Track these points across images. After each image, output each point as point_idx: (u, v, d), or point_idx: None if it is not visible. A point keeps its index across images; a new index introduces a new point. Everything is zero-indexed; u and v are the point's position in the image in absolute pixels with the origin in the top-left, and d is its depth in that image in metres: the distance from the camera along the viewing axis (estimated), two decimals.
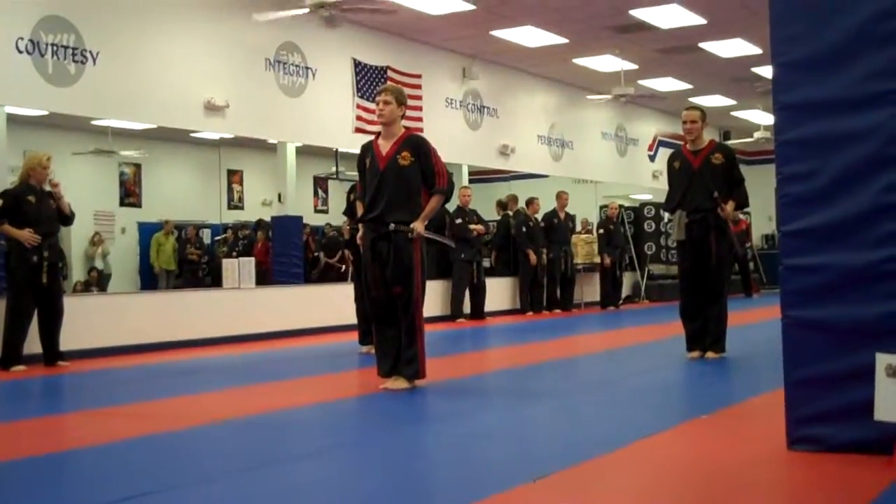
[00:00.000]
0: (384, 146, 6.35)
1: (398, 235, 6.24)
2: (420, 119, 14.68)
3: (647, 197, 21.30)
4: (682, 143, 7.80)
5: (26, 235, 8.34)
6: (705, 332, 7.64)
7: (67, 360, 8.67)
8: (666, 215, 19.58)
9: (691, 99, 20.61)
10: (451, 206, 14.40)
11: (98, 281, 16.38)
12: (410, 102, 14.38)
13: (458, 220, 14.11)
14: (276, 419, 5.54)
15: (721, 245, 7.56)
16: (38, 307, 8.56)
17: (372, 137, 6.54)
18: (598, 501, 3.41)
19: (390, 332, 6.37)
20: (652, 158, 21.77)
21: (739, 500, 3.34)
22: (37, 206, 8.50)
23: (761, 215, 22.10)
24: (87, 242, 16.94)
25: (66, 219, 8.88)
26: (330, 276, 15.90)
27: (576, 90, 18.74)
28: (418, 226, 6.25)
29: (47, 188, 8.69)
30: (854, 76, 3.84)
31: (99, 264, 16.95)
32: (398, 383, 6.27)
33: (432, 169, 6.30)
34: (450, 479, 3.90)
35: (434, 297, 14.08)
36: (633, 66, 16.96)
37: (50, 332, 8.59)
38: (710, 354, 7.60)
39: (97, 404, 6.36)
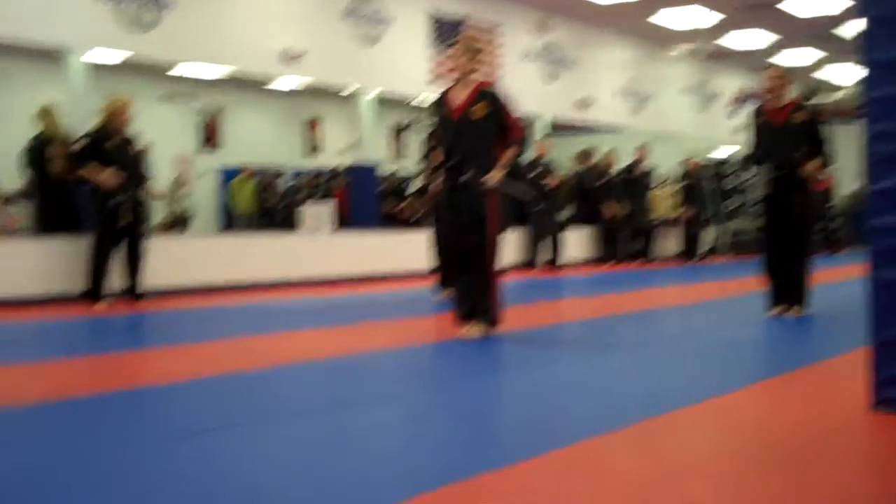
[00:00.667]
0: (459, 97, 6.32)
1: (475, 184, 6.24)
2: (498, 67, 14.60)
3: (727, 152, 20.94)
4: (764, 99, 7.65)
5: (106, 176, 8.50)
6: (788, 289, 7.54)
7: (148, 299, 8.86)
8: (752, 169, 19.27)
9: (776, 55, 20.21)
10: (528, 158, 14.32)
11: (178, 223, 16.64)
12: (489, 52, 14.42)
13: (534, 172, 14.03)
14: (352, 362, 5.60)
15: (805, 202, 7.45)
16: (121, 247, 8.74)
17: (447, 87, 6.50)
18: (670, 458, 3.39)
19: (468, 279, 6.39)
20: (732, 115, 21.38)
21: (818, 462, 3.29)
22: (117, 149, 8.64)
23: (846, 174, 21.59)
24: (168, 186, 17.17)
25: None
26: (394, 223, 15.85)
27: (656, 44, 18.43)
28: (494, 176, 6.23)
29: (127, 134, 8.85)
30: None
31: (179, 207, 17.20)
32: (474, 330, 6.31)
33: (507, 120, 6.27)
34: (521, 429, 3.90)
35: (513, 244, 14.07)
36: (718, 18, 16.59)
37: (133, 271, 8.83)
38: (792, 312, 7.51)
39: (179, 341, 6.50)
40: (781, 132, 7.39)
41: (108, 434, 3.69)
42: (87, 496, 2.90)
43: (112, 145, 8.62)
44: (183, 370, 5.26)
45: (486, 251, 6.31)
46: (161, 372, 5.35)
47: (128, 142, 8.79)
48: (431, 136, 6.85)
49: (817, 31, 17.89)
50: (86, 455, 3.36)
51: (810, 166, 7.31)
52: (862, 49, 3.97)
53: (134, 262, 8.85)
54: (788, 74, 7.58)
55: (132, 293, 8.84)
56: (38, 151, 9.17)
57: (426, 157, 9.03)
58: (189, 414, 4.09)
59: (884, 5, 3.89)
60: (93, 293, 8.61)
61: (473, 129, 6.24)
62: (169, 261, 9.84)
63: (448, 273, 8.59)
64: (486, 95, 6.28)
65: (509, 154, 6.31)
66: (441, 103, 6.42)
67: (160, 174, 16.39)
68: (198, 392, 4.60)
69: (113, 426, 3.84)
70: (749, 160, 7.84)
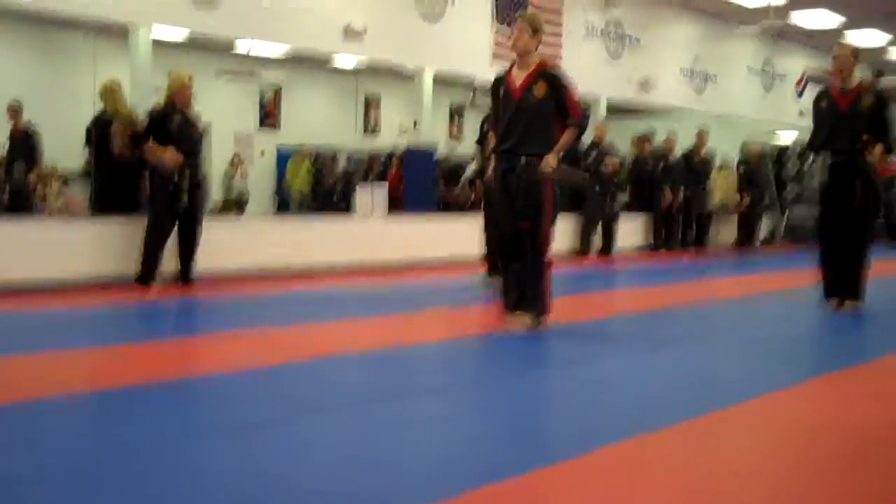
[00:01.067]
0: (518, 77, 6.20)
1: (530, 168, 6.12)
2: (560, 46, 14.43)
3: (792, 135, 20.55)
4: (831, 80, 7.42)
5: (169, 156, 8.48)
6: (845, 281, 7.34)
7: (199, 283, 8.86)
8: (811, 156, 18.90)
9: (844, 33, 19.76)
10: (587, 141, 14.16)
11: (236, 203, 16.75)
12: (550, 29, 14.23)
13: (591, 157, 13.86)
14: (399, 353, 5.56)
15: (867, 190, 7.21)
16: (177, 228, 8.74)
17: (506, 67, 6.40)
18: (719, 456, 3.31)
19: (517, 267, 6.28)
20: (799, 95, 20.93)
21: (869, 464, 3.19)
22: (179, 127, 8.60)
23: None
24: (227, 164, 17.29)
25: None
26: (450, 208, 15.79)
27: (722, 22, 18.13)
28: (551, 159, 6.08)
29: (192, 110, 8.82)
30: None
31: (238, 186, 17.31)
32: (522, 320, 6.20)
33: (567, 102, 6.13)
34: (564, 426, 3.85)
35: (565, 230, 13.93)
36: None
37: (187, 255, 8.77)
38: (848, 304, 7.31)
39: (229, 326, 6.51)
40: (846, 117, 7.17)
41: (152, 426, 3.69)
42: (136, 486, 2.89)
43: (175, 125, 8.58)
44: (232, 359, 5.27)
45: (539, 239, 6.18)
46: (211, 361, 5.36)
47: (189, 121, 8.72)
48: (487, 117, 6.68)
49: (887, 11, 17.46)
50: (132, 445, 3.35)
51: (878, 150, 7.08)
52: None
53: (189, 246, 8.78)
54: (857, 53, 7.34)
55: (185, 277, 8.80)
56: (101, 130, 9.13)
57: (482, 140, 8.89)
58: (236, 406, 4.08)
59: None
60: (145, 277, 8.55)
61: (533, 110, 6.11)
62: (222, 244, 9.85)
63: (497, 260, 8.52)
64: (547, 75, 6.16)
65: (568, 137, 6.16)
66: (501, 82, 6.30)
67: (219, 152, 16.65)
68: (245, 382, 4.59)
69: (155, 418, 3.83)
70: (809, 147, 7.61)
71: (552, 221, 6.28)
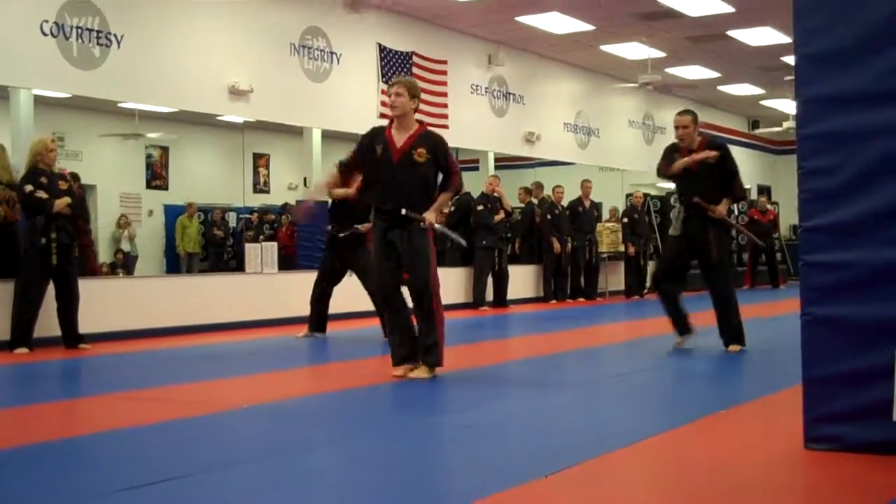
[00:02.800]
0: (398, 138, 6.30)
1: (412, 227, 6.23)
2: (445, 105, 14.65)
3: (673, 186, 21.11)
4: (681, 144, 7.80)
5: (58, 200, 8.39)
6: (723, 327, 7.67)
7: (88, 343, 8.70)
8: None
9: (720, 87, 20.50)
10: (476, 192, 14.36)
11: (124, 263, 16.46)
12: (436, 88, 14.49)
13: (481, 207, 14.06)
14: (292, 407, 5.54)
15: (720, 240, 7.71)
16: (55, 290, 8.58)
17: (385, 123, 6.49)
18: (607, 500, 3.37)
19: (402, 321, 6.36)
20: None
21: (752, 500, 3.29)
22: (48, 187, 8.46)
23: (790, 206, 21.90)
24: (114, 224, 17.00)
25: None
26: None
27: (603, 77, 18.63)
28: (430, 216, 6.23)
29: (56, 170, 8.71)
30: (878, 70, 3.76)
31: (125, 246, 17.01)
32: (419, 372, 6.24)
33: (449, 168, 6.31)
34: (461, 473, 3.88)
35: (456, 284, 14.06)
36: (661, 54, 16.85)
37: (67, 315, 8.62)
38: (732, 348, 7.57)
39: (115, 388, 6.37)
40: (696, 174, 7.63)
41: (37, 488, 3.60)
42: None
43: (44, 182, 8.44)
44: (118, 418, 5.18)
45: (427, 289, 6.27)
46: (94, 421, 5.25)
47: (56, 182, 8.60)
48: (345, 162, 6.57)
49: (758, 66, 18.20)
50: None
51: (722, 206, 7.62)
52: (794, 85, 4.02)
53: (67, 307, 8.62)
54: (696, 118, 7.83)
55: (69, 339, 8.62)
56: None
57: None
58: (123, 467, 3.99)
59: (814, 42, 3.94)
60: (18, 340, 8.37)
61: (414, 173, 6.23)
62: (112, 303, 9.70)
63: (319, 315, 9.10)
64: (427, 140, 6.30)
65: (444, 198, 6.39)
66: (379, 138, 6.36)
67: (106, 213, 16.36)
68: (132, 442, 4.51)
69: (37, 482, 3.73)
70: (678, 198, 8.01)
71: (435, 273, 6.36)
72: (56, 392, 6.79)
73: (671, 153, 7.82)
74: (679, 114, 7.82)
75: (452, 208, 14.63)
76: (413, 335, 6.32)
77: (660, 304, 7.97)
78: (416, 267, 6.26)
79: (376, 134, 6.42)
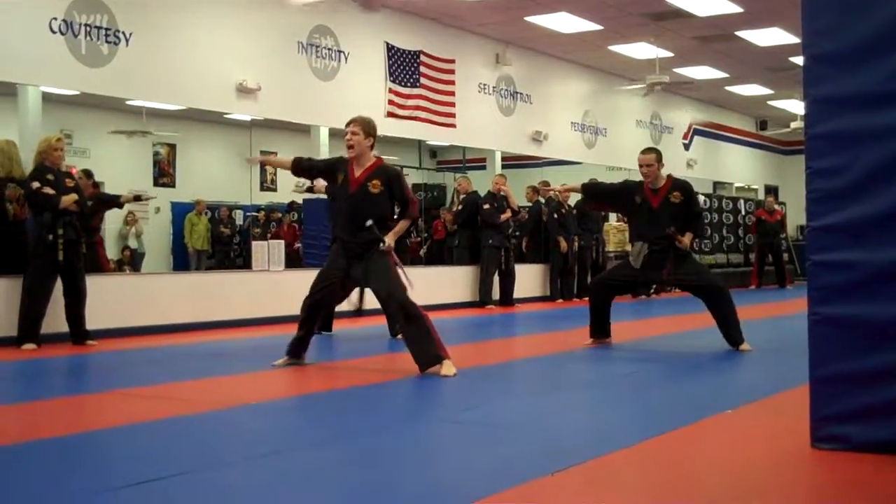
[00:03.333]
0: (356, 170, 6.69)
1: (371, 250, 6.55)
2: (452, 105, 14.66)
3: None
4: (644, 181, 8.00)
5: (66, 197, 8.44)
6: (728, 329, 7.71)
7: (95, 339, 8.72)
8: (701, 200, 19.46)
9: (728, 88, 20.47)
10: (483, 191, 14.36)
11: (131, 260, 16.50)
12: (443, 88, 14.51)
13: (487, 206, 14.06)
14: (297, 404, 5.56)
15: (682, 266, 7.85)
16: (62, 286, 8.62)
17: (348, 155, 6.76)
18: (613, 499, 3.37)
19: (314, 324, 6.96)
20: (687, 147, 21.62)
21: (759, 499, 3.30)
22: (55, 184, 8.50)
23: (797, 206, 21.89)
24: (122, 222, 17.05)
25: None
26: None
27: (610, 77, 18.63)
28: (389, 239, 6.56)
29: (63, 168, 8.75)
30: (887, 71, 3.76)
31: (133, 244, 17.07)
32: (446, 369, 6.27)
33: (406, 197, 6.72)
34: (467, 470, 3.87)
35: (463, 283, 14.08)
36: (669, 54, 16.83)
37: (75, 312, 8.66)
38: (745, 347, 7.60)
39: (122, 385, 6.37)
40: (659, 212, 7.82)
41: (47, 483, 3.61)
42: None
43: (51, 179, 8.48)
44: (123, 415, 5.20)
45: (406, 302, 6.43)
46: (99, 417, 5.27)
47: (63, 179, 8.64)
48: (307, 159, 7.12)
49: (766, 66, 18.17)
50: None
51: (686, 239, 7.77)
52: (803, 86, 4.01)
53: (75, 304, 8.66)
54: (660, 156, 8.03)
55: (77, 336, 8.67)
56: None
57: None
58: (126, 463, 4.01)
59: (823, 43, 3.94)
60: (26, 336, 8.39)
61: (368, 203, 6.59)
62: (120, 300, 9.72)
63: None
64: (382, 172, 6.68)
65: (402, 225, 6.77)
66: (343, 168, 6.74)
67: (114, 211, 16.36)
68: (136, 438, 4.53)
69: (42, 477, 3.75)
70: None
71: (402, 286, 6.54)
72: (63, 388, 6.81)
73: (633, 195, 8.01)
74: (643, 152, 8.05)
75: (460, 207, 14.65)
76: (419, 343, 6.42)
77: (587, 309, 8.34)
78: (386, 285, 6.50)
79: (341, 163, 6.80)
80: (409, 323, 6.41)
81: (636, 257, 7.87)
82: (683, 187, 8.02)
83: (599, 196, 8.65)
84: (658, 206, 7.82)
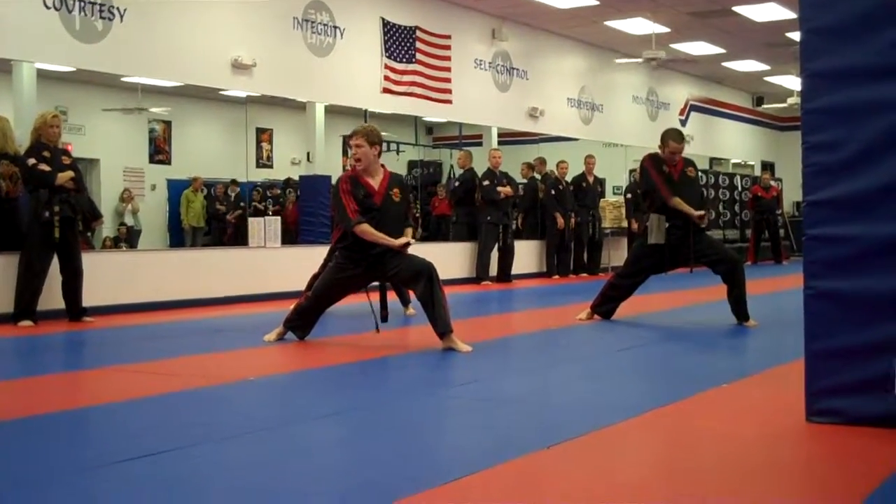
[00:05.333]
0: (374, 182, 6.69)
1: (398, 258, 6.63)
2: (448, 80, 14.61)
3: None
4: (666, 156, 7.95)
5: (62, 174, 8.40)
6: (735, 308, 7.74)
7: (92, 316, 8.73)
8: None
9: (725, 63, 20.42)
10: (481, 169, 14.35)
11: (128, 237, 16.50)
12: (439, 63, 14.46)
13: (486, 182, 14.05)
14: (297, 379, 5.58)
15: (701, 240, 7.88)
16: (59, 263, 8.61)
17: (355, 173, 6.75)
18: (608, 472, 3.39)
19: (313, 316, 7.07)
20: (683, 123, 21.58)
21: (754, 472, 3.31)
22: (50, 161, 8.45)
23: (793, 182, 21.88)
24: (117, 198, 17.03)
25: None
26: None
27: (607, 53, 18.57)
28: (406, 240, 6.64)
29: (60, 146, 8.72)
30: (884, 44, 3.76)
31: (129, 220, 17.06)
32: (461, 345, 6.34)
33: (410, 204, 7.01)
34: (464, 444, 3.90)
35: (461, 259, 14.08)
36: (665, 30, 16.78)
37: (71, 289, 8.64)
38: (751, 323, 7.70)
39: (118, 361, 6.39)
40: (680, 184, 7.85)
41: (43, 457, 3.62)
42: None
43: (48, 158, 8.45)
44: (122, 390, 5.21)
45: (434, 273, 6.50)
46: (97, 393, 5.28)
47: (58, 156, 8.59)
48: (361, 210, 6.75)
49: (763, 42, 18.13)
50: (23, 477, 3.29)
51: (698, 216, 7.76)
52: (799, 60, 4.01)
53: (71, 281, 8.64)
54: (684, 141, 8.04)
55: (73, 312, 8.66)
56: None
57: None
58: (125, 438, 4.04)
59: (819, 17, 3.93)
60: (22, 313, 8.39)
61: (393, 210, 6.68)
62: (116, 276, 9.72)
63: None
64: (398, 182, 6.84)
65: (412, 232, 6.86)
66: (359, 184, 6.68)
67: (110, 187, 16.37)
68: (135, 413, 4.55)
69: (42, 452, 3.76)
70: (650, 206, 8.04)
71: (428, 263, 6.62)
72: (60, 364, 6.82)
73: (660, 165, 7.93)
74: (679, 140, 7.92)
75: (457, 183, 14.63)
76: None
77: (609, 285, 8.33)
78: (410, 265, 6.57)
79: (356, 180, 6.71)
80: (436, 299, 6.43)
81: (657, 230, 7.84)
82: (693, 164, 8.25)
83: (657, 202, 8.03)
84: (678, 179, 7.88)
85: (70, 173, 8.50)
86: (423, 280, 6.45)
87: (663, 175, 7.87)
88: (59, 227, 8.43)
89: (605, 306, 8.27)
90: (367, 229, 6.55)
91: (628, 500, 3.01)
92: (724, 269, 7.79)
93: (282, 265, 11.48)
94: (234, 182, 17.65)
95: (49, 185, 8.38)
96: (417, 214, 18.01)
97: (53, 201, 8.41)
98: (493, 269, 14.29)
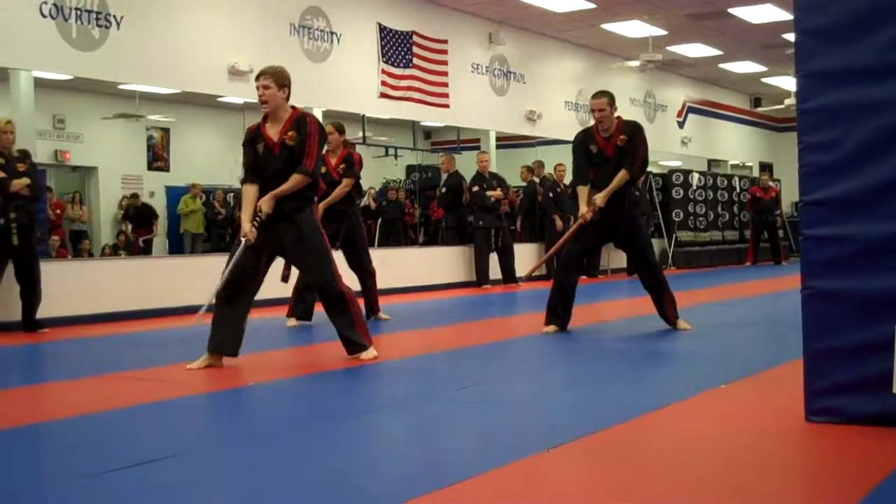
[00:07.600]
0: (272, 132, 6.03)
1: (297, 221, 6.04)
2: (446, 85, 14.62)
3: (675, 163, 21.16)
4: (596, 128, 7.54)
5: (17, 180, 8.31)
6: (570, 309, 7.62)
7: (47, 328, 8.62)
8: (694, 180, 19.48)
9: (722, 65, 20.43)
10: (468, 174, 14.35)
11: (126, 245, 16.47)
12: (436, 68, 14.47)
13: (475, 188, 14.04)
14: (292, 386, 5.57)
15: (636, 219, 7.55)
16: (14, 271, 8.49)
17: (259, 121, 6.17)
18: (607, 473, 3.39)
19: (236, 314, 6.20)
20: (681, 125, 21.59)
21: (754, 472, 3.31)
22: (5, 168, 8.37)
23: (792, 183, 21.84)
24: (116, 206, 17.01)
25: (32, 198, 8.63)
26: None
27: (604, 56, 18.59)
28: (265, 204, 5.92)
29: (14, 153, 8.58)
30: (878, 44, 3.76)
31: (127, 228, 17.03)
32: (367, 354, 6.14)
33: (307, 149, 5.96)
34: (464, 447, 3.89)
35: (458, 263, 14.09)
36: (662, 32, 16.80)
37: (28, 299, 8.54)
38: (682, 325, 7.57)
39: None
40: (612, 160, 7.34)
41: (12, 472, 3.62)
42: None
43: (3, 164, 8.37)
44: (114, 400, 5.19)
45: (335, 280, 6.11)
46: (73, 403, 5.23)
47: (13, 163, 8.47)
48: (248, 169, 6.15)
49: (760, 44, 18.15)
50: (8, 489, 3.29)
51: (617, 178, 7.26)
52: (795, 61, 4.01)
53: (28, 290, 8.53)
54: (613, 101, 7.42)
55: (28, 324, 8.54)
56: None
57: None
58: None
59: (814, 18, 3.94)
60: None
61: (289, 160, 5.97)
62: (117, 284, 9.72)
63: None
64: (298, 122, 6.03)
65: (293, 182, 5.97)
66: (257, 137, 6.06)
67: (108, 195, 16.36)
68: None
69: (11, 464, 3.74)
70: (576, 180, 7.67)
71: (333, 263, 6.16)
72: (31, 376, 6.76)
73: (587, 144, 7.47)
74: (594, 96, 7.42)
75: (444, 190, 14.62)
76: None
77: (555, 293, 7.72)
78: (311, 264, 6.14)
79: (254, 134, 6.10)
80: (340, 312, 6.14)
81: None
82: (631, 128, 7.43)
83: (584, 175, 7.59)
84: (612, 154, 7.33)
85: (25, 180, 8.41)
86: (324, 297, 6.12)
87: (585, 156, 7.43)
88: (16, 234, 8.35)
89: (563, 310, 7.78)
90: (243, 191, 5.97)
91: (629, 502, 3.01)
92: (642, 267, 7.66)
93: (278, 271, 11.42)
94: (233, 189, 17.63)
95: (3, 191, 8.32)
96: (416, 220, 18.01)
97: (9, 208, 8.34)
98: (494, 273, 14.28)
